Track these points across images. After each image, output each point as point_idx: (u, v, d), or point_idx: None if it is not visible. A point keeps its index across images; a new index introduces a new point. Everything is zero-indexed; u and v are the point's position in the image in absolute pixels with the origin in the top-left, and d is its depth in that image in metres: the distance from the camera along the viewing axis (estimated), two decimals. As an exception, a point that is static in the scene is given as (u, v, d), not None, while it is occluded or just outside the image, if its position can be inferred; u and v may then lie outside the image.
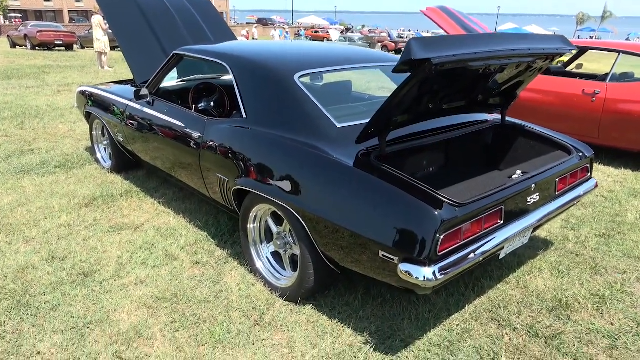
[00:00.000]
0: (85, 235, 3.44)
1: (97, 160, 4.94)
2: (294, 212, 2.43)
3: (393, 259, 2.03)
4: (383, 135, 2.37)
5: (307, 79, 2.80)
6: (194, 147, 3.17)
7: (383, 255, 2.06)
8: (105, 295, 2.73)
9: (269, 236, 2.90)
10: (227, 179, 2.90)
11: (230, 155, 2.85)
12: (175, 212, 3.84)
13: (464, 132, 2.86)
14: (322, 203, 2.30)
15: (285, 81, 2.79)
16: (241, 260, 3.11)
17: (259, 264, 2.87)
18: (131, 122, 3.95)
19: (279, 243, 2.76)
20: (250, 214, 2.84)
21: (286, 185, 2.46)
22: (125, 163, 4.61)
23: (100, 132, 4.85)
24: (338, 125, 2.57)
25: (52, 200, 4.04)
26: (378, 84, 6.08)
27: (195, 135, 3.16)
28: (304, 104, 2.68)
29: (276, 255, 2.88)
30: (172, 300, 2.69)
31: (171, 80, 4.36)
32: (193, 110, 3.48)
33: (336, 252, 2.31)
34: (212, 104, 4.05)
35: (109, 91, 4.43)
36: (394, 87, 3.41)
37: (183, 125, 3.31)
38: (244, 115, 2.88)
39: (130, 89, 4.30)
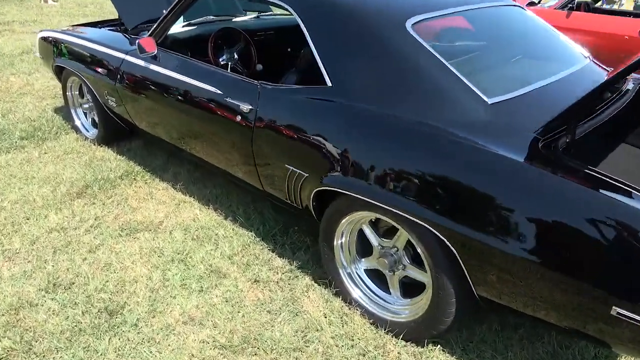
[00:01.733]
0: (90, 244, 2.55)
1: (75, 129, 3.89)
2: (435, 231, 1.67)
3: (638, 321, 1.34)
4: (577, 118, 1.60)
5: (421, 27, 1.95)
6: (242, 124, 2.29)
7: (619, 313, 1.37)
8: (148, 347, 1.93)
9: (361, 248, 2.14)
10: (304, 174, 2.07)
11: (310, 141, 2.01)
12: (200, 201, 2.98)
13: (628, 98, 2.11)
14: (488, 223, 1.55)
15: (394, 31, 1.92)
16: (314, 272, 2.35)
17: (356, 293, 2.12)
18: (130, 83, 2.95)
19: (386, 262, 2.01)
20: (340, 224, 2.05)
21: (420, 193, 1.69)
22: (116, 132, 3.62)
23: (77, 92, 3.78)
24: (489, 101, 1.77)
25: (30, 189, 3.06)
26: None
27: (244, 107, 2.27)
28: (429, 67, 1.84)
29: (371, 272, 2.15)
30: (247, 351, 1.93)
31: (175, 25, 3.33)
32: (229, 70, 2.55)
33: (511, 293, 1.60)
34: (235, 55, 3.10)
35: (90, 39, 3.35)
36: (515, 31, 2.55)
37: (220, 92, 2.39)
38: (329, 83, 2.01)
39: (120, 37, 3.25)
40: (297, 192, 2.17)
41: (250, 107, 2.25)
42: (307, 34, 2.08)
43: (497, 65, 2.08)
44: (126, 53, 2.99)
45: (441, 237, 1.66)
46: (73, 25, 3.95)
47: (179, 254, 2.49)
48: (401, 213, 1.74)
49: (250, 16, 3.73)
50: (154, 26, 2.82)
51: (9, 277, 2.30)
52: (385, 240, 2.01)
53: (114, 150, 3.60)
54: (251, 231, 2.69)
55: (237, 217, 2.81)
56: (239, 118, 2.30)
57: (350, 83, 1.97)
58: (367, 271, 2.15)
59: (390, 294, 2.08)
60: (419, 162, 1.71)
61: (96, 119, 3.64)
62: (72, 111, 3.86)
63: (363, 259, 2.14)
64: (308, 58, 2.21)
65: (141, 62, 2.87)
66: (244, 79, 2.37)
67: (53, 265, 2.38)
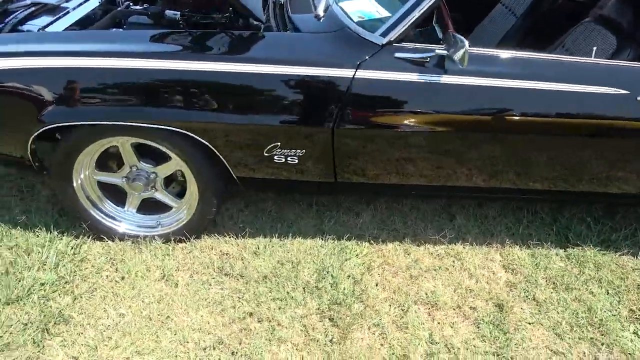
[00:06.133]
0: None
1: (120, 236, 1.98)
2: None
3: None
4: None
5: None
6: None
7: None
8: None
9: None
10: None
11: None
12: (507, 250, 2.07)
13: None
14: None
15: None
16: None
17: None
18: (383, 115, 1.66)
19: None
20: None
21: None
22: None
23: (93, 168, 1.87)
24: None
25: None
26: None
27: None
28: None
29: None
30: None
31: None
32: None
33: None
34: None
35: (183, 55, 1.64)
36: None
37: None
38: None
39: (242, 38, 1.76)
40: None
41: None
42: None
43: None
44: (356, 67, 1.61)
45: None
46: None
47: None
48: None
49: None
50: (407, 18, 1.59)
51: None
52: None
53: (243, 237, 2.02)
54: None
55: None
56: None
57: None
58: None
59: None
60: None
61: (164, 197, 1.95)
62: (94, 212, 1.94)
63: None
64: None
65: (425, 76, 1.61)
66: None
67: None
